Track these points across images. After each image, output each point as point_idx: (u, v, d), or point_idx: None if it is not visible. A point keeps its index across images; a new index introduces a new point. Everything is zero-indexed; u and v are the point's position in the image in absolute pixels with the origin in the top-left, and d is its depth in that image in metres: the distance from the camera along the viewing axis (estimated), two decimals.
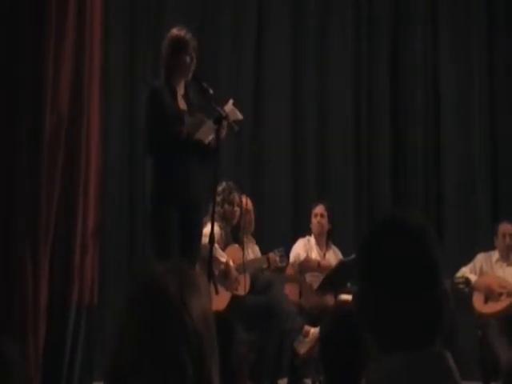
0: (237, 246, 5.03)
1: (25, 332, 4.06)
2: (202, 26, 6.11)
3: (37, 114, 4.23)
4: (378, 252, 1.36)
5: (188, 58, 4.10)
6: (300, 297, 5.41)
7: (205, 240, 4.15)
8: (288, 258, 5.39)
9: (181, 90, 4.20)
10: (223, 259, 4.87)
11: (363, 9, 6.95)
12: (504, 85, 7.01)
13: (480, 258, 5.83)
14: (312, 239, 5.73)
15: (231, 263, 4.90)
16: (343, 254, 5.60)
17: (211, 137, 4.02)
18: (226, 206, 5.09)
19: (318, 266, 5.48)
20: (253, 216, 5.45)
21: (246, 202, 5.05)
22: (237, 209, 5.12)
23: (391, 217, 1.42)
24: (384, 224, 1.40)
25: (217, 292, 4.63)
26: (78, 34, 4.47)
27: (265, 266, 5.14)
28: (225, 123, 3.96)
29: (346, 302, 4.51)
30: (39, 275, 4.15)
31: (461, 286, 5.54)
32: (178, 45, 4.11)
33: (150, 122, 4.11)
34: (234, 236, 5.15)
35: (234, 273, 4.87)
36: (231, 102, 4.08)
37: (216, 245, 4.54)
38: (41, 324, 4.15)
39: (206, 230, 4.29)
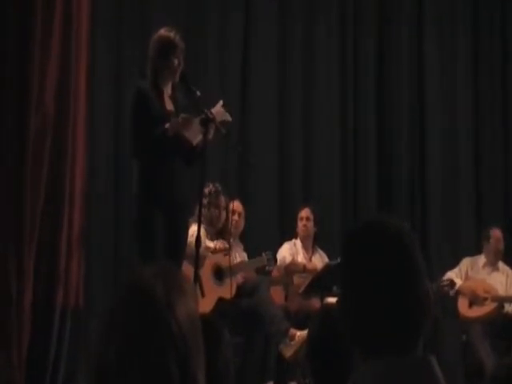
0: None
1: (9, 334, 4.04)
2: (188, 26, 6.10)
3: (21, 115, 4.20)
4: (357, 256, 1.36)
5: (176, 61, 4.09)
6: (286, 300, 5.41)
7: (190, 239, 4.16)
8: (275, 261, 5.39)
9: (168, 91, 4.18)
10: (211, 244, 4.95)
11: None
12: (488, 79, 7.09)
13: (466, 262, 5.86)
14: (298, 242, 5.72)
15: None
16: (329, 257, 5.61)
17: (199, 137, 4.01)
18: (213, 209, 5.07)
19: (303, 269, 5.48)
20: (242, 219, 5.45)
21: (234, 205, 5.03)
22: (223, 212, 5.11)
23: (369, 221, 1.42)
24: (362, 228, 1.40)
25: (203, 295, 4.62)
26: (64, 35, 4.45)
27: (262, 264, 5.14)
28: (212, 125, 3.95)
29: (332, 304, 4.51)
30: (23, 276, 4.13)
31: (446, 289, 5.56)
32: (167, 46, 4.09)
33: (136, 123, 4.09)
34: (218, 239, 5.14)
35: None
36: (220, 103, 4.07)
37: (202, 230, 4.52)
38: (25, 326, 4.12)
39: (191, 230, 4.30)
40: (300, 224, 5.71)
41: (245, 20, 6.62)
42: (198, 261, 3.96)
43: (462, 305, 5.65)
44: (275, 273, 5.49)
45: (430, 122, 7.00)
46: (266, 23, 6.66)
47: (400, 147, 6.93)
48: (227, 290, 4.82)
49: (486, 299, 5.59)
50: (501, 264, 5.87)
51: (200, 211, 3.98)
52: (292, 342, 4.81)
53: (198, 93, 4.01)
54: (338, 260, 4.74)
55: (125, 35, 6.07)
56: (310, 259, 5.69)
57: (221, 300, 4.85)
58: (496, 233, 5.83)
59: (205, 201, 4.87)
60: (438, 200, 6.91)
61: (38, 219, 4.25)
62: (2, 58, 4.23)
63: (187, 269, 4.13)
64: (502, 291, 5.69)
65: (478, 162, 7.03)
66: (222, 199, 5.10)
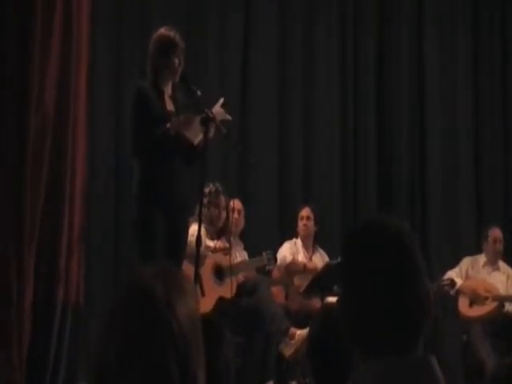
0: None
1: (9, 334, 4.04)
2: (188, 26, 6.09)
3: (21, 115, 4.20)
4: (357, 256, 1.36)
5: (176, 60, 4.08)
6: (286, 299, 5.41)
7: (190, 239, 4.17)
8: (276, 261, 5.39)
9: (168, 91, 4.17)
10: (211, 244, 4.96)
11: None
12: (488, 79, 7.09)
13: (466, 261, 5.86)
14: (299, 242, 5.72)
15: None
16: (330, 256, 5.61)
17: (200, 137, 4.01)
18: (213, 209, 5.08)
19: (304, 269, 5.48)
20: (242, 217, 5.45)
21: (235, 203, 5.03)
22: (223, 212, 5.12)
23: (369, 221, 1.42)
24: (362, 228, 1.41)
25: (203, 294, 4.62)
26: (64, 35, 4.45)
27: (263, 263, 5.14)
28: (212, 125, 3.95)
29: (333, 304, 4.51)
30: (23, 276, 4.13)
31: (446, 288, 5.56)
32: (167, 45, 4.08)
33: (136, 123, 4.09)
34: (218, 238, 5.15)
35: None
36: (221, 101, 4.06)
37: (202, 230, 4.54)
38: (25, 326, 4.12)
39: (192, 229, 4.30)
40: (300, 223, 5.71)
41: (245, 20, 6.61)
42: (198, 260, 3.96)
43: (463, 304, 5.65)
44: (275, 272, 5.49)
45: (430, 122, 7.00)
46: (266, 23, 6.66)
47: (400, 147, 6.93)
48: (227, 290, 4.81)
49: (486, 298, 5.59)
50: (501, 263, 5.87)
51: (200, 211, 3.98)
52: (292, 341, 4.81)
53: (199, 92, 4.01)
54: (339, 259, 4.74)
55: (125, 35, 6.07)
56: (311, 258, 5.69)
57: (221, 299, 4.85)
58: (495, 232, 5.82)
59: (205, 200, 4.87)
60: (438, 200, 6.91)
61: (38, 219, 4.25)
62: (2, 57, 4.23)
63: (187, 268, 4.13)
64: (502, 290, 5.69)
65: (477, 162, 7.04)
66: (222, 199, 5.11)
